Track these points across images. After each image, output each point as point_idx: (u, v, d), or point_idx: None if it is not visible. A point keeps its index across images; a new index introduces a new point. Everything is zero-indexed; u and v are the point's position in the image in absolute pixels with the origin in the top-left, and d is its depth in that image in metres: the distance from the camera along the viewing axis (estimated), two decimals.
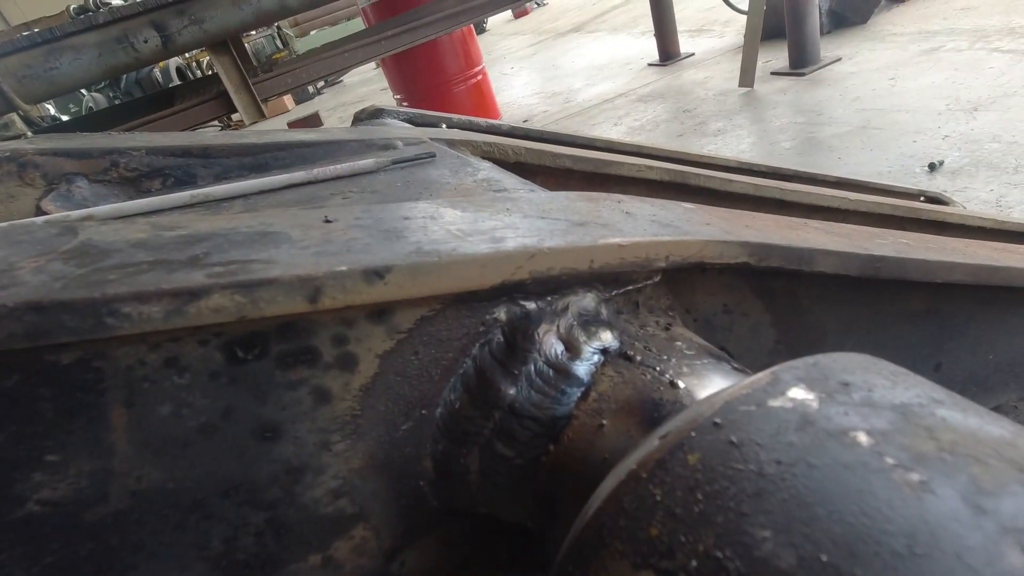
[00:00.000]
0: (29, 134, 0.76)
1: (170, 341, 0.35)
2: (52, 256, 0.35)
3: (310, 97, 11.76)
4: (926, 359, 0.75)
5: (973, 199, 2.98)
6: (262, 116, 4.35)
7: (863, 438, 0.26)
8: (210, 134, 0.83)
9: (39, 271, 0.33)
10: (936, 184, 3.13)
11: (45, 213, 0.63)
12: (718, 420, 0.29)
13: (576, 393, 0.43)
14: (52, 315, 0.30)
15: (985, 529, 0.21)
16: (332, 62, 4.64)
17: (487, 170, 0.67)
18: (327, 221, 0.43)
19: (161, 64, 10.55)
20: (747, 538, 0.24)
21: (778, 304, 0.61)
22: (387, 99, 7.34)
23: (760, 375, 0.31)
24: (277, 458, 0.41)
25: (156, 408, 0.36)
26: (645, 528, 0.27)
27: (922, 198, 1.91)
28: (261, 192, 0.63)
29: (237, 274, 0.34)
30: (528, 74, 8.33)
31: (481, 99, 6.17)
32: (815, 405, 0.28)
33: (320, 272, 0.35)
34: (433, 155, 0.71)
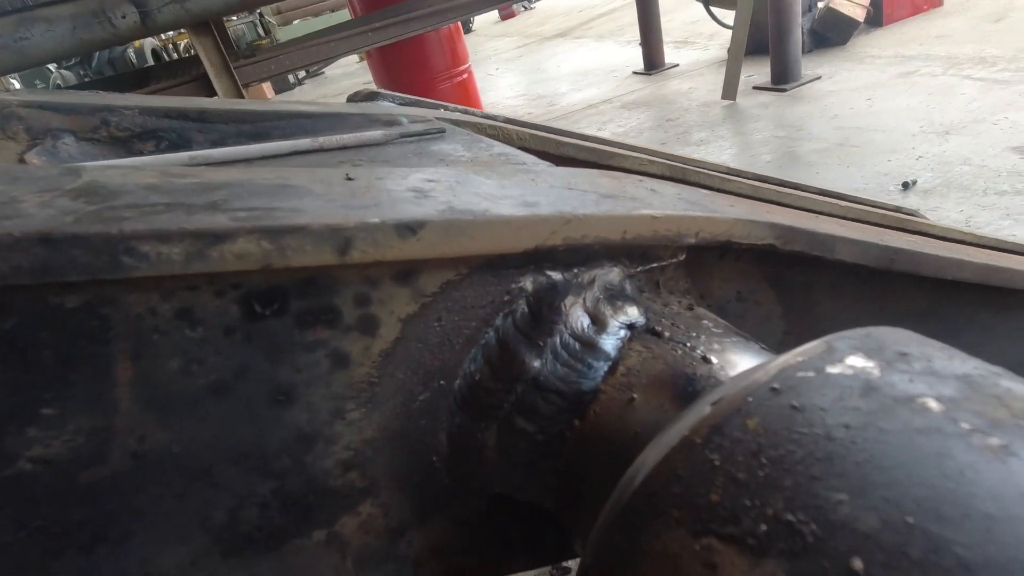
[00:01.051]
0: (16, 84, 0.72)
1: (185, 290, 0.33)
2: (58, 193, 0.32)
3: (290, 87, 11.58)
4: None
5: (944, 218, 3.07)
6: None
7: (933, 404, 0.25)
8: (207, 100, 0.80)
9: (45, 205, 0.30)
10: (909, 202, 3.22)
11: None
12: (776, 386, 0.28)
13: (603, 367, 0.41)
14: (63, 249, 0.28)
15: None
16: (317, 51, 4.57)
17: (500, 147, 0.65)
18: (349, 179, 0.41)
19: (136, 44, 10.25)
20: (821, 501, 0.23)
21: (790, 295, 0.60)
22: None
23: (812, 344, 0.30)
24: (289, 424, 0.38)
25: (165, 363, 0.34)
26: (704, 494, 0.26)
27: (898, 214, 1.95)
28: (264, 157, 0.60)
29: (263, 220, 0.32)
30: (513, 76, 8.34)
31: (466, 98, 6.14)
32: (877, 372, 0.27)
33: (351, 223, 0.33)
34: (443, 130, 0.69)
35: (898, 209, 2.02)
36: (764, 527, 0.23)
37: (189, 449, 0.36)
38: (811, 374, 0.28)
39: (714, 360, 0.39)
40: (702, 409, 0.29)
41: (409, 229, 0.34)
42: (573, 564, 1.84)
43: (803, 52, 5.14)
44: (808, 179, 3.74)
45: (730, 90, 5.10)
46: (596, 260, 0.44)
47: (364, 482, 0.42)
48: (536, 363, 0.41)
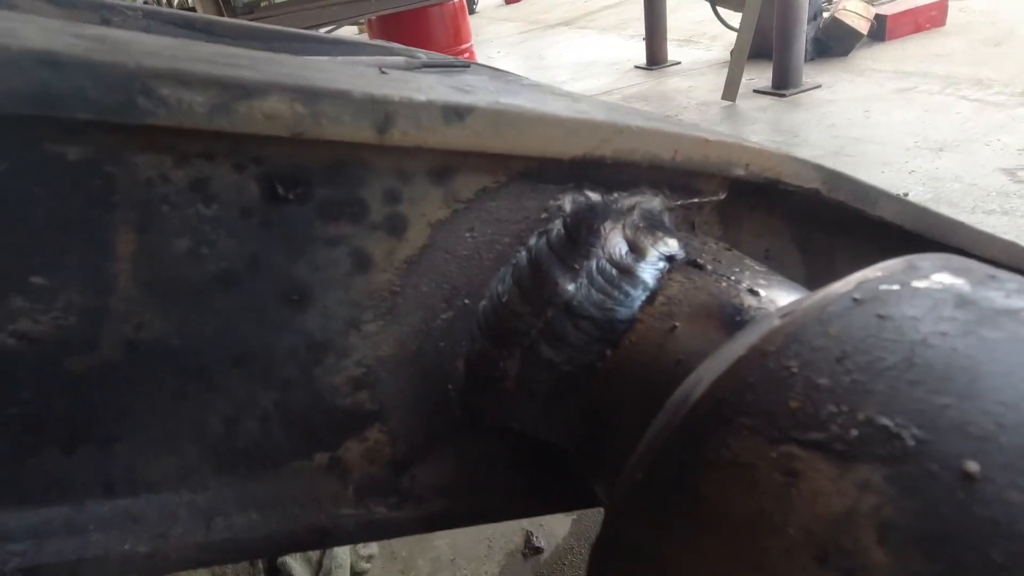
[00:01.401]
0: None
1: (202, 157, 0.29)
2: (62, 31, 0.28)
3: None
4: None
5: None
6: None
7: None
8: (213, 16, 0.75)
9: (47, 34, 0.26)
10: None
11: None
12: (858, 296, 0.25)
13: (641, 296, 0.39)
14: (70, 75, 0.24)
15: None
16: (318, 13, 4.46)
17: (530, 81, 0.62)
18: (383, 72, 0.38)
19: None
20: (924, 405, 0.20)
21: (815, 259, 0.59)
22: None
23: (891, 261, 0.28)
24: (300, 329, 0.35)
25: (172, 241, 0.30)
26: (782, 402, 0.23)
27: None
28: None
29: (298, 80, 0.28)
30: (514, 61, 8.25)
31: None
32: (968, 288, 0.25)
33: (396, 97, 0.29)
34: (468, 64, 0.66)
35: None
36: (855, 432, 0.21)
37: (189, 344, 0.33)
38: (896, 287, 0.25)
39: (762, 293, 0.37)
40: (770, 322, 0.27)
41: (456, 114, 0.31)
42: (546, 543, 1.83)
43: (805, 60, 5.16)
44: None
45: (731, 91, 5.10)
46: (637, 186, 0.41)
47: (374, 404, 0.39)
48: (570, 287, 0.38)
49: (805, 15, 4.88)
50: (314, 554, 1.92)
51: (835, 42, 5.55)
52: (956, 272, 0.26)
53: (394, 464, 0.42)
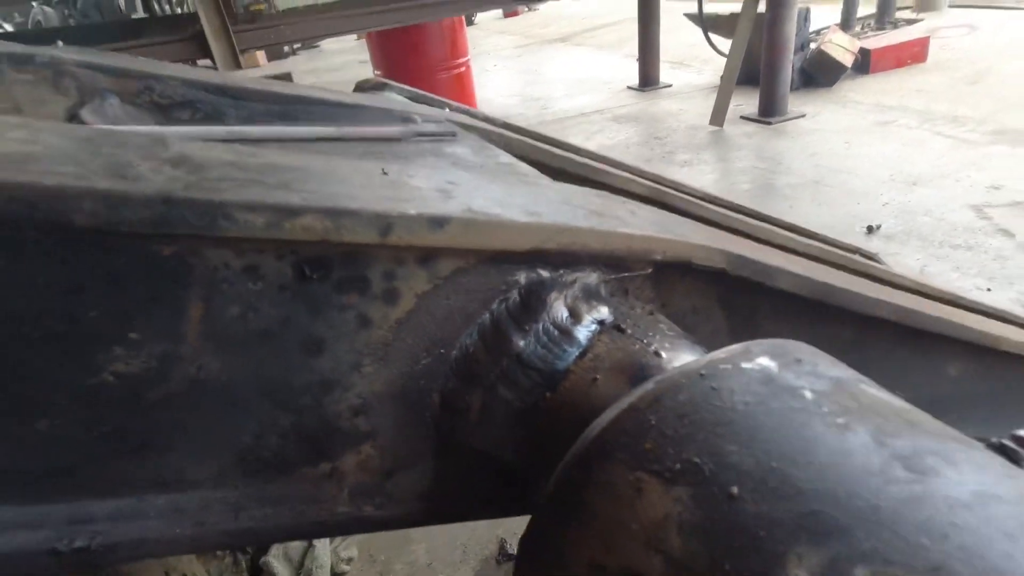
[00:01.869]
0: (60, 43, 0.78)
1: (254, 251, 0.41)
2: (159, 161, 0.40)
3: (284, 56, 11.42)
4: None
5: (901, 264, 3.26)
6: (238, 66, 4.24)
7: (808, 394, 0.35)
8: (240, 76, 0.86)
9: (157, 172, 0.38)
10: (872, 245, 3.41)
11: (83, 122, 0.65)
12: (703, 372, 0.38)
13: (575, 352, 0.51)
14: (178, 209, 0.36)
15: (882, 454, 0.31)
16: (319, 25, 4.58)
17: (505, 156, 0.74)
18: (384, 173, 0.50)
19: None
20: (719, 450, 0.33)
21: (737, 315, 0.71)
22: (366, 72, 7.24)
23: (736, 345, 0.40)
24: (315, 369, 0.47)
25: (228, 307, 0.42)
26: (641, 443, 0.35)
27: (858, 255, 2.10)
28: (294, 140, 0.68)
29: (327, 201, 0.40)
30: (510, 75, 8.41)
31: (462, 90, 6.20)
32: (776, 370, 0.37)
33: (394, 212, 0.42)
34: (455, 133, 0.77)
35: (857, 250, 2.17)
36: (678, 465, 0.33)
37: (233, 380, 0.44)
38: (730, 367, 0.38)
39: (663, 355, 0.49)
40: (647, 386, 0.39)
41: (438, 223, 0.43)
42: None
43: (791, 89, 5.36)
44: (782, 211, 3.92)
45: (718, 116, 5.28)
46: (579, 265, 0.53)
47: (368, 427, 0.51)
48: (521, 343, 0.50)
49: (792, 46, 5.07)
50: (296, 555, 2.02)
51: (820, 73, 5.75)
52: (774, 356, 0.39)
53: (382, 473, 0.54)
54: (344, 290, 0.45)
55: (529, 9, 13.45)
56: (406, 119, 0.84)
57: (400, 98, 1.31)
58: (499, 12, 13.18)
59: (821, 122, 5.10)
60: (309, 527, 0.52)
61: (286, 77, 9.17)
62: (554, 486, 0.38)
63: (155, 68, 0.75)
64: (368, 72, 6.64)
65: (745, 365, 0.38)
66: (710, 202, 1.60)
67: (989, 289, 2.97)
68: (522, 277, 0.51)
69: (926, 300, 1.19)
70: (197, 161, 0.42)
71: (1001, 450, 0.37)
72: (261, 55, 10.67)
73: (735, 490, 0.31)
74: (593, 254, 0.50)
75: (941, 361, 0.97)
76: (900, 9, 7.36)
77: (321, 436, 0.50)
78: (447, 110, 1.29)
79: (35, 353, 0.38)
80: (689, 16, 6.46)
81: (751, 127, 5.22)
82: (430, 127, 0.79)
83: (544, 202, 0.52)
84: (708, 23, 5.94)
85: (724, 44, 5.55)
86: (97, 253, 0.36)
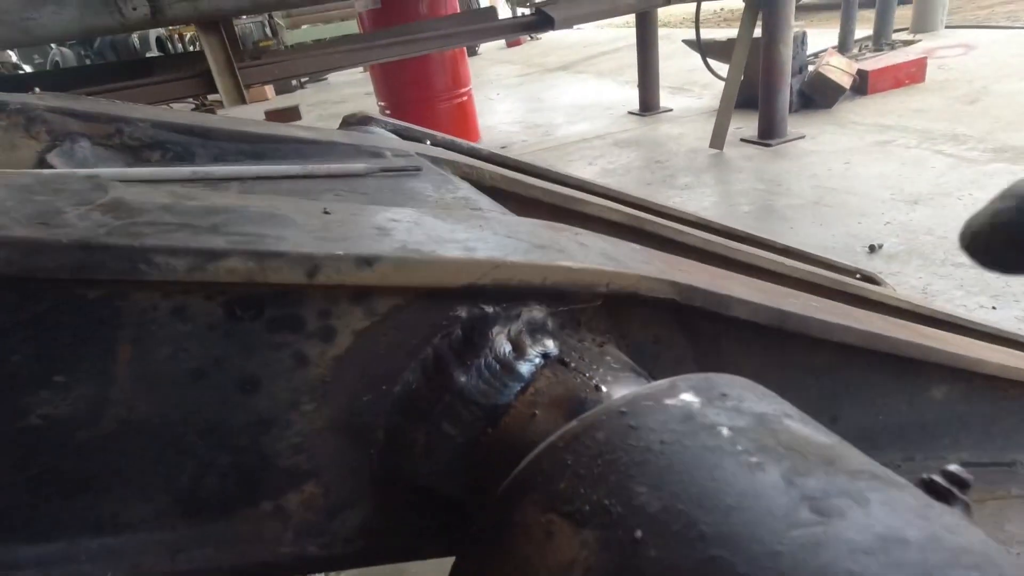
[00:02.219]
0: (37, 90, 0.80)
1: (182, 293, 0.41)
2: (91, 207, 0.41)
3: (292, 90, 11.68)
4: (824, 410, 0.85)
5: (903, 283, 3.23)
6: (243, 101, 4.34)
7: (726, 431, 0.35)
8: (213, 117, 0.88)
9: (83, 218, 0.39)
10: (873, 265, 3.39)
11: (50, 166, 0.67)
12: (624, 409, 0.37)
13: (517, 387, 0.50)
14: (97, 255, 0.36)
15: (791, 495, 0.30)
16: (322, 60, 4.68)
17: (465, 190, 0.75)
18: (326, 212, 0.50)
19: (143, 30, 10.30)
20: (629, 491, 0.32)
21: (701, 343, 0.70)
22: (371, 103, 7.39)
23: (662, 381, 0.40)
24: (252, 409, 0.47)
25: (158, 349, 0.42)
26: (556, 483, 0.35)
27: (858, 275, 2.08)
28: (258, 178, 0.69)
29: (252, 244, 0.40)
30: (512, 103, 8.54)
31: (464, 119, 6.29)
32: (697, 406, 0.37)
33: (321, 253, 0.42)
34: (419, 169, 0.78)
35: (857, 271, 2.15)
36: (587, 507, 0.32)
37: (167, 421, 0.44)
38: (652, 403, 0.37)
39: (604, 389, 0.49)
40: (572, 424, 0.38)
41: (366, 262, 0.43)
42: None
43: (790, 111, 5.39)
44: (782, 232, 3.92)
45: (718, 140, 5.31)
46: (524, 299, 0.53)
47: (309, 465, 0.51)
48: (463, 379, 0.50)
49: (789, 69, 5.12)
50: None
51: (819, 95, 5.79)
52: (699, 391, 0.38)
53: (327, 511, 0.53)
54: (277, 329, 0.45)
55: (531, 39, 13.71)
56: (375, 154, 0.85)
57: (383, 132, 1.34)
58: (502, 42, 13.44)
59: (821, 143, 5.12)
60: (252, 568, 0.51)
61: (293, 112, 9.30)
62: (476, 526, 0.37)
63: (125, 111, 0.77)
64: (373, 103, 6.77)
65: (668, 402, 0.37)
66: (698, 227, 1.60)
67: (994, 307, 2.93)
68: (463, 312, 0.51)
69: (917, 323, 1.17)
70: (131, 206, 0.43)
71: (929, 486, 0.36)
72: (269, 89, 10.93)
73: (639, 534, 0.30)
74: (532, 288, 0.50)
75: (924, 385, 0.95)
76: (897, 31, 7.43)
77: (261, 475, 0.49)
78: (428, 143, 1.30)
79: None
80: (687, 42, 6.55)
81: (751, 149, 5.25)
82: (397, 162, 0.80)
83: (487, 236, 0.53)
84: (706, 49, 6.02)
85: (723, 69, 5.61)
86: (16, 298, 0.37)
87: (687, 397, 0.38)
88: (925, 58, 6.11)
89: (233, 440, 0.47)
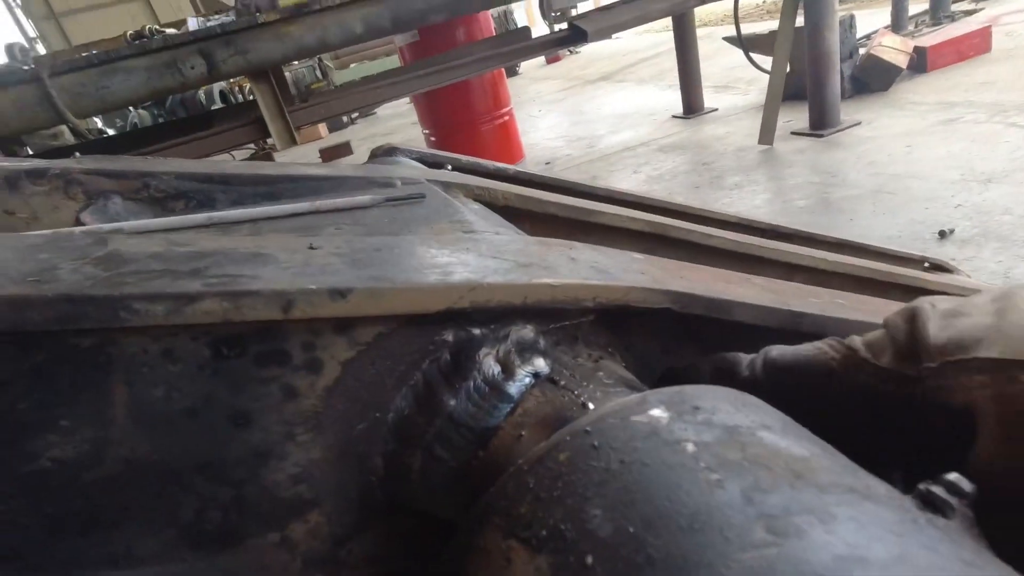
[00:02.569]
0: (77, 154, 0.87)
1: (168, 336, 0.43)
2: (86, 260, 0.44)
3: (344, 126, 12.17)
4: None
5: (980, 269, 3.00)
6: (294, 142, 4.55)
7: (690, 447, 0.33)
8: (232, 163, 0.93)
9: (74, 272, 0.42)
10: (945, 252, 3.16)
11: (83, 223, 0.73)
12: (588, 428, 0.36)
13: (506, 408, 0.50)
14: (80, 306, 0.39)
15: (747, 513, 0.28)
16: (366, 96, 4.86)
17: (467, 212, 0.76)
18: (311, 248, 0.52)
19: (205, 87, 11.03)
20: (584, 515, 0.31)
21: (711, 351, 0.68)
22: (416, 132, 7.60)
23: (632, 396, 0.38)
24: (247, 442, 0.48)
25: (151, 390, 0.44)
26: (518, 507, 0.34)
27: (926, 264, 1.95)
28: (268, 218, 0.72)
29: (227, 285, 0.42)
30: (555, 118, 8.57)
31: (507, 139, 6.36)
32: (664, 421, 0.35)
33: (293, 288, 0.43)
34: (423, 196, 0.80)
35: (925, 260, 2.02)
36: (544, 532, 0.31)
37: (165, 458, 0.47)
38: (617, 420, 0.36)
39: (591, 406, 0.48)
40: (541, 444, 0.38)
41: (340, 294, 0.44)
42: None
43: (843, 98, 5.15)
44: (840, 226, 3.73)
45: (767, 135, 5.14)
46: (511, 318, 0.53)
47: (311, 494, 0.52)
48: (452, 402, 0.50)
49: (837, 55, 4.90)
50: None
51: (873, 78, 5.51)
52: (670, 405, 0.37)
53: (333, 539, 0.54)
54: (264, 364, 0.46)
55: (570, 53, 13.77)
56: (386, 184, 0.87)
57: (407, 161, 1.37)
58: (542, 60, 13.57)
59: (878, 128, 4.86)
60: None
61: (345, 147, 9.67)
62: (446, 552, 0.37)
63: (151, 166, 0.82)
64: (418, 130, 6.96)
65: (635, 418, 0.36)
66: (737, 227, 1.54)
67: None
68: (450, 335, 0.51)
69: None
70: (124, 257, 0.46)
71: (926, 497, 0.33)
72: (322, 128, 11.45)
73: (589, 559, 0.29)
74: (514, 308, 0.50)
75: None
76: (956, 1, 7.00)
77: (264, 506, 0.51)
78: (449, 167, 1.33)
79: None
80: (728, 39, 6.40)
81: (803, 142, 5.04)
82: (402, 191, 0.82)
83: (468, 260, 0.53)
84: (748, 43, 5.86)
85: (767, 63, 5.44)
86: (16, 350, 0.40)
87: (656, 412, 0.36)
88: (989, 26, 5.72)
89: (231, 473, 0.49)
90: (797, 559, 0.26)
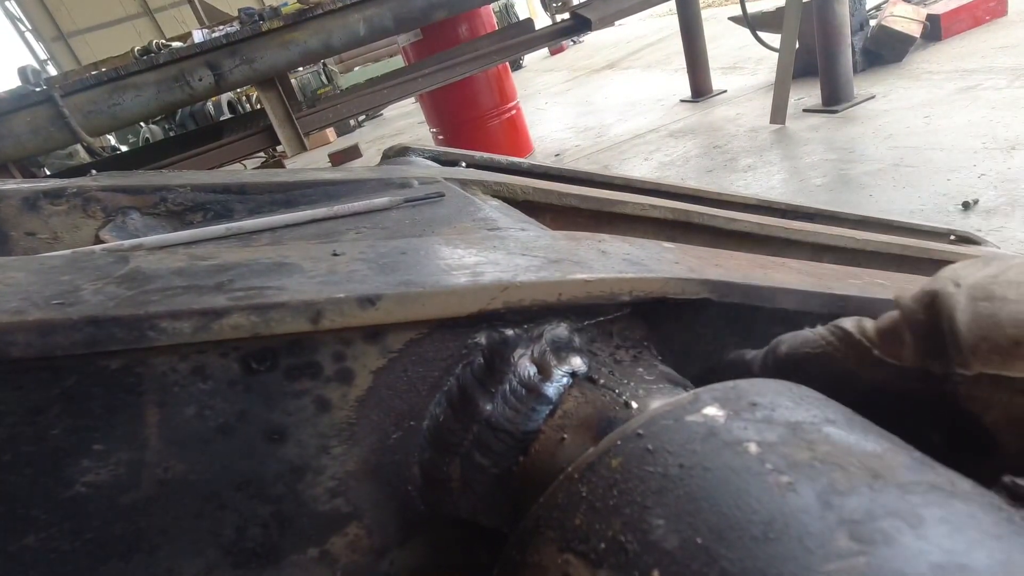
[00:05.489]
0: (94, 172, 0.87)
1: (197, 353, 0.42)
2: (108, 280, 0.43)
3: (351, 130, 12.21)
4: None
5: (1008, 239, 2.92)
6: (303, 148, 4.56)
7: (753, 448, 0.31)
8: (247, 172, 0.92)
9: (98, 292, 0.41)
10: (970, 223, 3.08)
11: (103, 242, 0.72)
12: (641, 431, 0.34)
13: (545, 411, 0.48)
14: (105, 328, 0.38)
15: (827, 520, 0.26)
16: (371, 98, 4.86)
17: (488, 209, 0.74)
18: (335, 255, 0.50)
19: (214, 98, 11.12)
20: (645, 525, 0.29)
21: (753, 340, 0.65)
22: (424, 132, 7.59)
23: (684, 395, 0.36)
24: (282, 458, 0.47)
25: (183, 409, 0.43)
26: (571, 518, 0.32)
27: (952, 237, 1.89)
28: (287, 226, 0.71)
29: (253, 298, 0.41)
30: (562, 109, 8.51)
31: (515, 133, 6.33)
32: (722, 420, 0.33)
33: (322, 298, 0.42)
34: (442, 195, 0.78)
35: (952, 233, 1.96)
36: (603, 545, 0.30)
37: (202, 477, 0.46)
38: (671, 422, 0.34)
39: (635, 405, 0.46)
40: (590, 450, 0.36)
41: (369, 301, 0.43)
42: None
43: (856, 72, 5.04)
44: (860, 202, 3.65)
45: (778, 114, 5.05)
46: (545, 317, 0.51)
47: (349, 507, 0.50)
48: (488, 407, 0.48)
49: (847, 28, 4.79)
50: None
51: (886, 50, 5.39)
52: (724, 403, 0.35)
53: (374, 552, 0.53)
54: (295, 377, 0.45)
55: (574, 43, 13.65)
56: (403, 185, 0.86)
57: (421, 160, 1.36)
58: (545, 52, 13.47)
59: (894, 101, 4.75)
60: None
61: (354, 150, 9.70)
62: (498, 568, 0.35)
63: (166, 180, 0.82)
64: (426, 130, 6.95)
65: (689, 419, 0.34)
66: (758, 209, 1.51)
67: None
68: (483, 338, 0.49)
69: None
70: (146, 274, 0.44)
71: (1013, 492, 0.30)
72: (331, 132, 11.49)
73: (656, 574, 0.27)
74: (548, 306, 0.48)
75: None
76: None
77: (303, 521, 0.49)
78: (463, 165, 1.31)
79: (12, 474, 0.41)
80: (734, 19, 6.29)
81: (816, 119, 4.95)
82: (420, 191, 0.80)
83: (497, 259, 0.51)
84: (755, 22, 5.76)
85: (776, 40, 5.34)
86: (47, 376, 0.39)
87: (711, 411, 0.34)
88: None
89: (269, 490, 0.48)
90: (891, 568, 0.24)
